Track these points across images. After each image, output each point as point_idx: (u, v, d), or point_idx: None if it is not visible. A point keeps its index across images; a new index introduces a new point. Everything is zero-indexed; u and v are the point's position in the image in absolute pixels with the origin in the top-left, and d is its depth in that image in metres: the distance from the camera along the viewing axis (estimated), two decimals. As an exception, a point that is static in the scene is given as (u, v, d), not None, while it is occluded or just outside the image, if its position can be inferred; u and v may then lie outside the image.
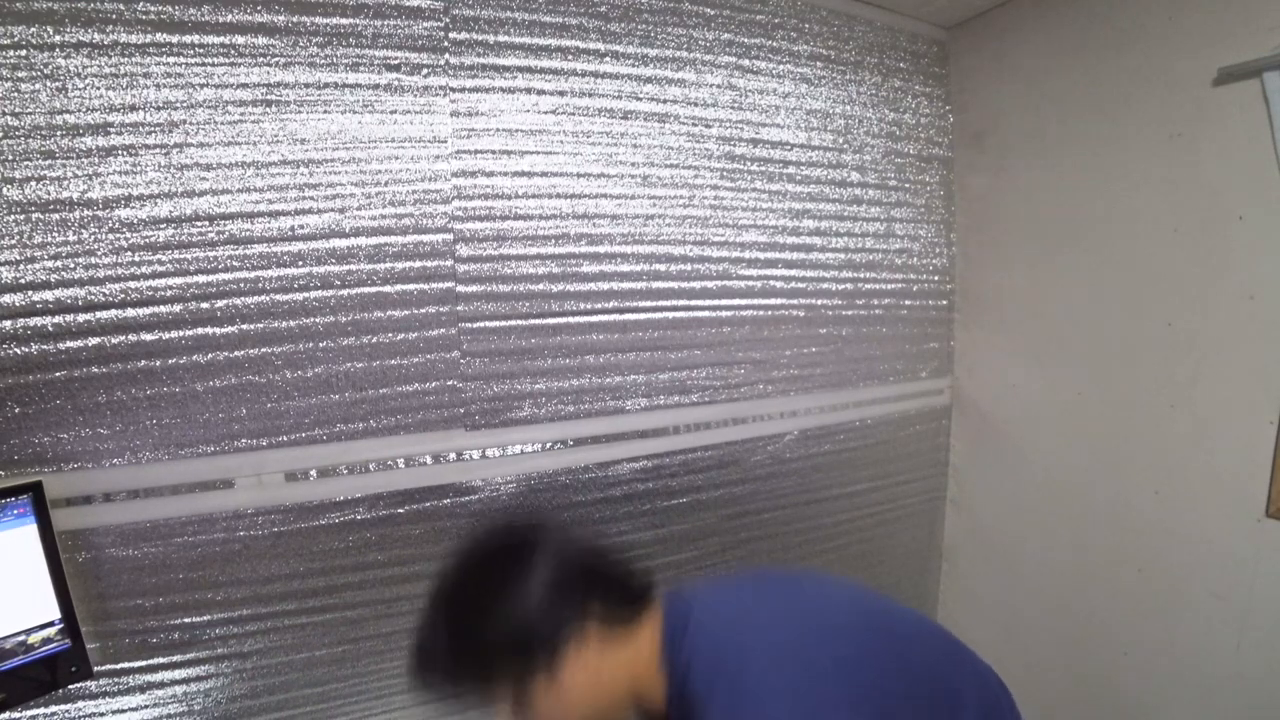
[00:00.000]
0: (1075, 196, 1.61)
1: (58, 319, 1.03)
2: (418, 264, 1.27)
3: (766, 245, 1.63)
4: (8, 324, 1.00)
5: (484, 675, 0.64)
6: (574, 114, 1.39)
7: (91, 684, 1.10)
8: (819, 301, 1.72)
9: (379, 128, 1.22)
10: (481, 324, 1.34)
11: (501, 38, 1.31)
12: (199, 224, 1.10)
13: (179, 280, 1.10)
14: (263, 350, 1.17)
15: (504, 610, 0.63)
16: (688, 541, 1.61)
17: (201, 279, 1.11)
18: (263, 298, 1.16)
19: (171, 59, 1.07)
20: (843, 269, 1.76)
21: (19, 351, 1.01)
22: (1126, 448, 1.52)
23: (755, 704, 0.56)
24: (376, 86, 1.21)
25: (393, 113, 1.23)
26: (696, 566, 1.62)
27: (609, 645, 0.65)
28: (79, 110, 1.01)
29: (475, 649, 0.64)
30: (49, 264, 1.02)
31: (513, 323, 1.37)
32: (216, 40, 1.09)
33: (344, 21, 1.18)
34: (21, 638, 0.94)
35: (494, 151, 1.32)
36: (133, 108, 1.05)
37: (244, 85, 1.12)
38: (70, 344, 1.04)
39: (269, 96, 1.14)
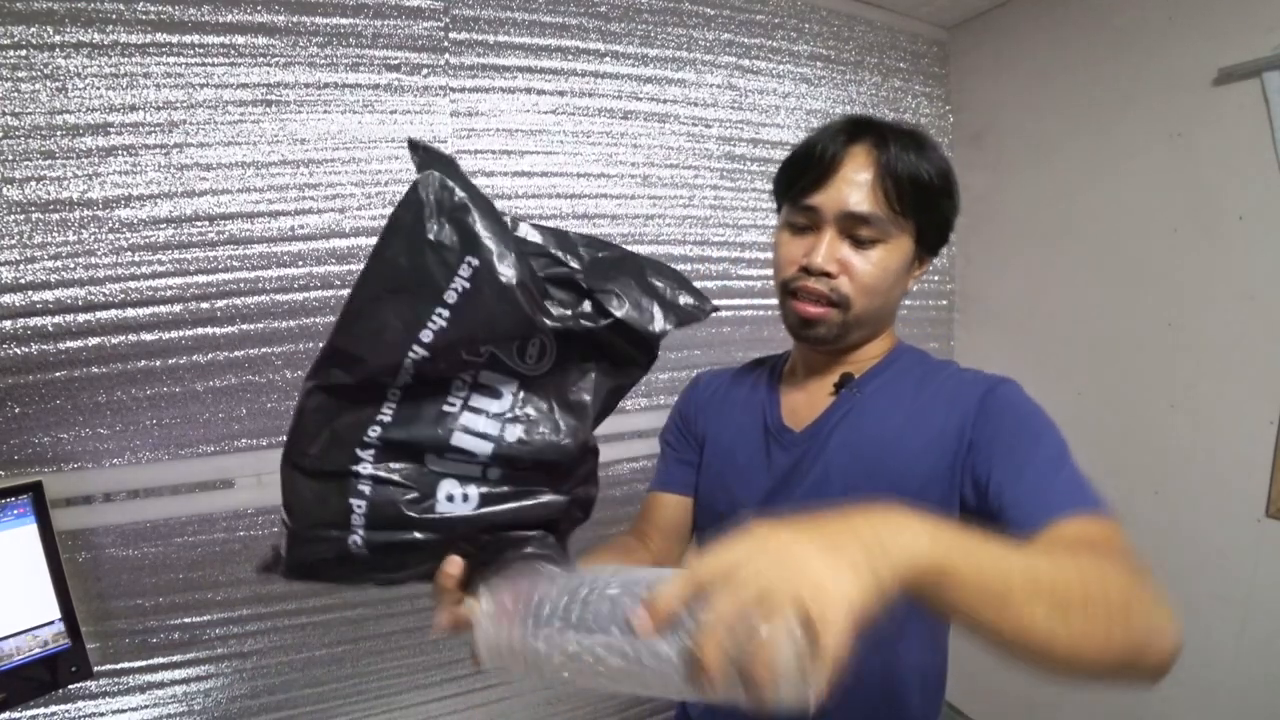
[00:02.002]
0: (1075, 196, 1.61)
1: (58, 319, 1.03)
2: (418, 264, 1.27)
3: (766, 245, 1.63)
4: (8, 324, 1.00)
5: (935, 206, 0.68)
6: (574, 114, 1.39)
7: (91, 684, 1.10)
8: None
9: (379, 128, 1.22)
10: (481, 324, 1.33)
11: (501, 38, 1.31)
12: (199, 224, 1.10)
13: (179, 280, 1.10)
14: (263, 350, 1.17)
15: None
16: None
17: (201, 279, 1.11)
18: (263, 298, 1.16)
19: (171, 59, 1.07)
20: (843, 269, 1.77)
21: (19, 351, 1.01)
22: (1126, 448, 1.52)
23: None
24: (376, 86, 1.21)
25: (393, 113, 1.23)
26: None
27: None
28: (79, 110, 1.01)
29: (955, 189, 0.70)
30: (49, 264, 1.02)
31: (513, 323, 1.36)
32: (216, 40, 1.09)
33: (344, 21, 1.18)
34: (21, 638, 0.94)
35: (494, 151, 1.32)
36: (133, 108, 1.05)
37: (244, 85, 1.12)
38: (70, 344, 1.04)
39: (269, 96, 1.14)
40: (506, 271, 0.42)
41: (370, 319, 0.43)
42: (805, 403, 0.75)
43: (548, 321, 0.43)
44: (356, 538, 0.45)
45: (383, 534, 0.45)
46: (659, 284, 0.46)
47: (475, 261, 0.42)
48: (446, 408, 0.45)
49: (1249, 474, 1.30)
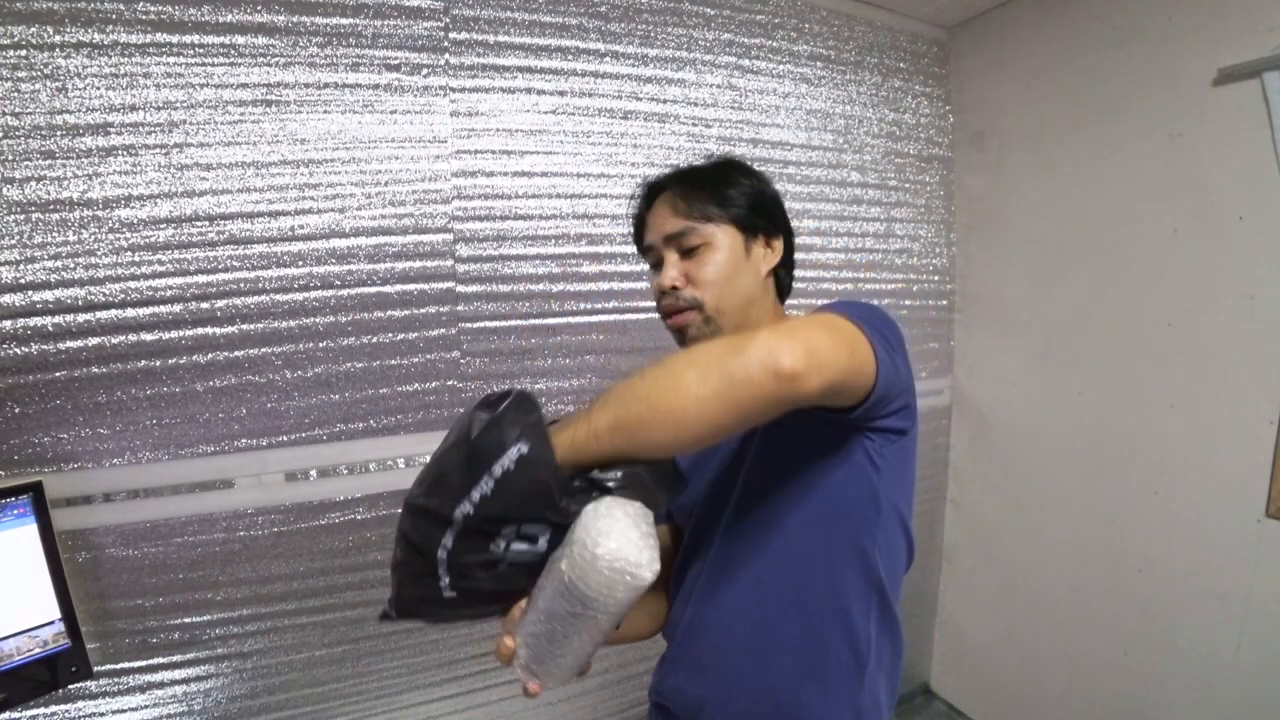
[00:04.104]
0: (1075, 196, 1.61)
1: (58, 319, 1.03)
2: (418, 264, 1.27)
3: (766, 245, 1.63)
4: (8, 324, 1.00)
5: (741, 200, 0.77)
6: (574, 114, 1.39)
7: (91, 684, 1.10)
8: (819, 302, 1.71)
9: (379, 128, 1.22)
10: (481, 324, 1.34)
11: (501, 38, 1.31)
12: (199, 224, 1.11)
13: (179, 280, 1.10)
14: (263, 350, 1.17)
15: (769, 186, 0.83)
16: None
17: (201, 279, 1.11)
18: (263, 298, 1.16)
19: (171, 59, 1.07)
20: (843, 269, 1.76)
21: (19, 351, 1.01)
22: (1126, 448, 1.52)
23: None
24: (376, 86, 1.21)
25: (393, 113, 1.23)
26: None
27: (769, 282, 0.81)
28: (79, 110, 1.01)
29: (758, 184, 0.80)
30: (49, 264, 1.02)
31: (513, 323, 1.36)
32: (216, 40, 1.09)
33: (344, 21, 1.18)
34: (21, 638, 0.94)
35: (494, 151, 1.32)
36: (133, 108, 1.05)
37: (244, 85, 1.12)
38: (70, 344, 1.04)
39: (269, 96, 1.14)
40: (543, 468, 0.50)
41: (441, 463, 0.53)
42: None
43: (566, 511, 0.51)
44: (446, 587, 0.53)
45: (463, 583, 0.53)
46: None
47: (524, 449, 0.49)
48: (493, 547, 0.52)
49: (1249, 474, 1.30)
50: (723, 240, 0.77)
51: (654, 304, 0.81)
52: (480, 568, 0.52)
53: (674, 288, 0.76)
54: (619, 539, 0.49)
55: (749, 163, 0.84)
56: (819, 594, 0.69)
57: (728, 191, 0.78)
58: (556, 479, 0.50)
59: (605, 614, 0.51)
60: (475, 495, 0.50)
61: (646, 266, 0.84)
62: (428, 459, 0.55)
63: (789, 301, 0.88)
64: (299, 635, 1.25)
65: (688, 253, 0.77)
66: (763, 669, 0.71)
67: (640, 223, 0.84)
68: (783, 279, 0.84)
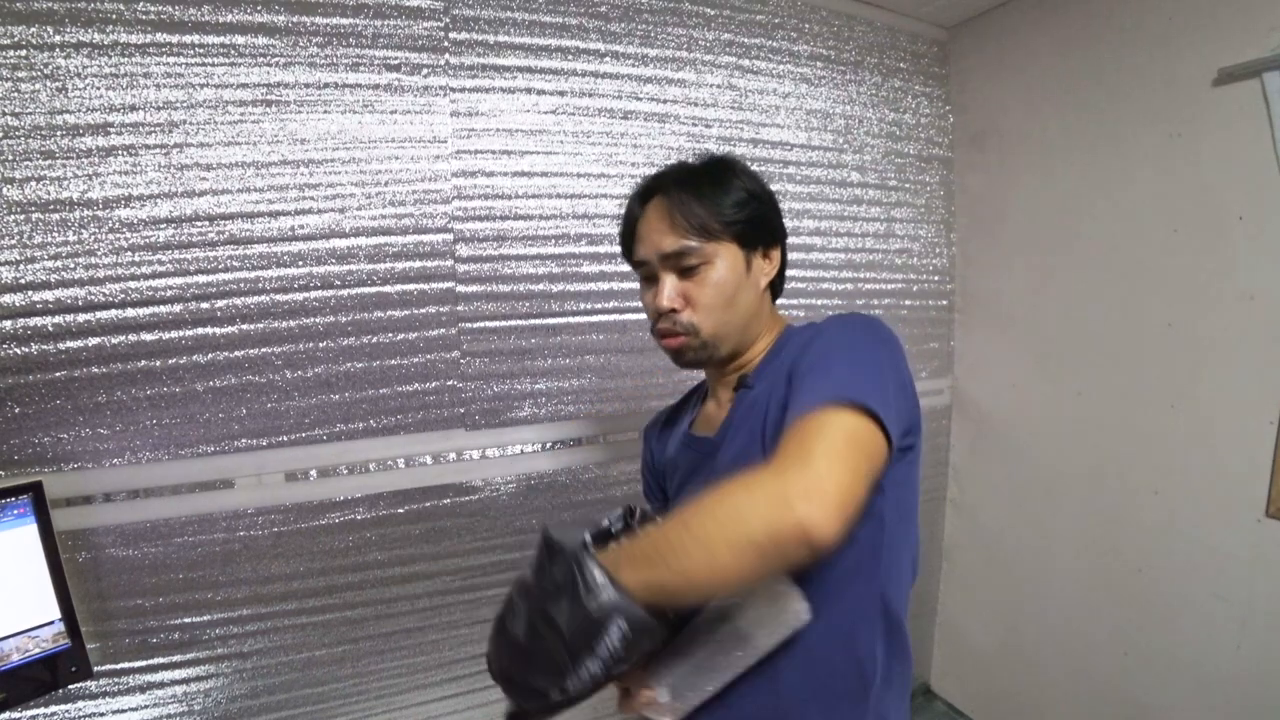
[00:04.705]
0: (1075, 196, 1.61)
1: (58, 319, 1.03)
2: (418, 264, 1.27)
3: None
4: (8, 324, 1.00)
5: (741, 212, 0.74)
6: (574, 114, 1.39)
7: (91, 684, 1.10)
8: (819, 302, 1.72)
9: (379, 128, 1.22)
10: (481, 324, 1.34)
11: (501, 38, 1.31)
12: (199, 224, 1.11)
13: (179, 280, 1.10)
14: (263, 350, 1.17)
15: (765, 187, 0.79)
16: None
17: (201, 279, 1.11)
18: (263, 298, 1.16)
19: (171, 59, 1.07)
20: (843, 269, 1.76)
21: (19, 351, 1.01)
22: (1126, 448, 1.52)
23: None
24: (376, 86, 1.21)
25: (393, 113, 1.23)
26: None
27: (766, 292, 0.81)
28: (79, 110, 1.01)
29: (757, 189, 0.77)
30: (49, 264, 1.02)
31: (513, 323, 1.37)
32: (216, 40, 1.09)
33: (344, 21, 1.18)
34: (21, 638, 0.94)
35: (494, 151, 1.32)
36: (133, 108, 1.05)
37: (244, 85, 1.12)
38: (70, 344, 1.04)
39: (269, 96, 1.14)
40: (647, 631, 0.52)
41: (532, 657, 0.54)
42: (715, 410, 0.83)
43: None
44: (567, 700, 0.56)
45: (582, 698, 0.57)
46: None
47: (624, 626, 0.51)
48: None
49: (1249, 474, 1.30)
50: (723, 259, 0.74)
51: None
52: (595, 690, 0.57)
53: (672, 310, 0.74)
54: (780, 599, 0.59)
55: (746, 162, 0.82)
56: (824, 613, 0.68)
57: (727, 202, 0.74)
58: (659, 634, 0.54)
59: (768, 649, 0.62)
60: (584, 674, 0.52)
61: None
62: (493, 629, 0.58)
63: (790, 302, 0.88)
64: (299, 635, 1.25)
65: (685, 271, 0.74)
66: (768, 691, 0.70)
67: (631, 229, 0.80)
68: (776, 284, 0.82)
